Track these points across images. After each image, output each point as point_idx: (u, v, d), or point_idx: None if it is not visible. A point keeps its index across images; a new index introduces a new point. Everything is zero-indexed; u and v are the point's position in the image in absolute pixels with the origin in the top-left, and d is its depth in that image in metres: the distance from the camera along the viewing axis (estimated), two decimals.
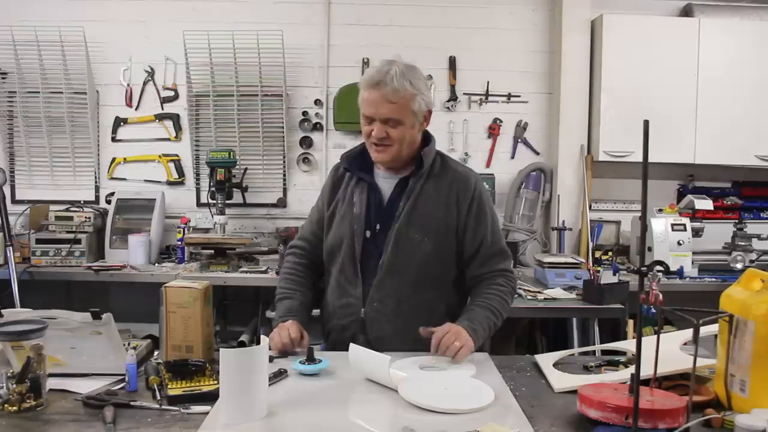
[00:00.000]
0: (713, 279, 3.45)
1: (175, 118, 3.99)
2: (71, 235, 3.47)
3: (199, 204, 4.02)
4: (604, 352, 1.87)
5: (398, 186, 1.87)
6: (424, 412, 1.33)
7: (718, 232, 3.78)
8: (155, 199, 3.75)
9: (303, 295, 1.91)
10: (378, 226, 1.85)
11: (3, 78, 3.88)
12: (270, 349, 1.67)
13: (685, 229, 3.51)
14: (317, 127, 4.01)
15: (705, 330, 1.43)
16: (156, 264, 3.56)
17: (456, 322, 1.74)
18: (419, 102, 1.80)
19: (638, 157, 3.64)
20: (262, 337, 1.44)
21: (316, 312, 1.99)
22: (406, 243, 1.82)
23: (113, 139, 3.99)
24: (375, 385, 1.50)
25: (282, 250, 3.31)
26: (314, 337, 1.84)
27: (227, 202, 3.74)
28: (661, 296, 1.41)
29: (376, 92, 1.76)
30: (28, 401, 1.33)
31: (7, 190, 3.54)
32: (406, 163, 1.88)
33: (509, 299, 1.89)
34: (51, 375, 1.42)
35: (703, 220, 3.69)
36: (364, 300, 1.84)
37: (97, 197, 3.98)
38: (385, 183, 1.89)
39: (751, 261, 3.58)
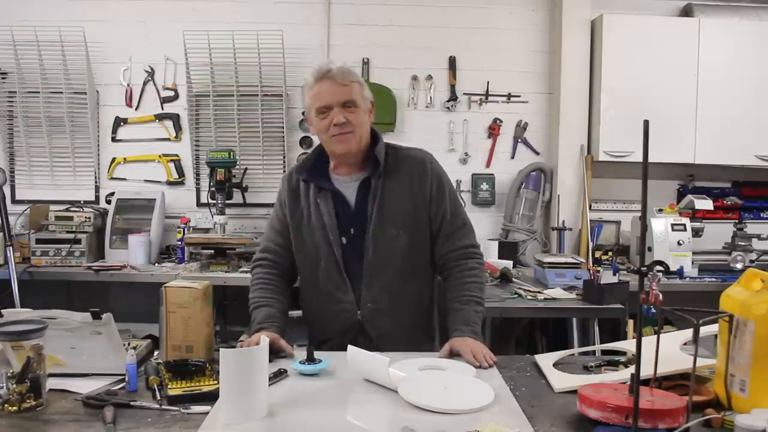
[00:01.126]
0: (713, 279, 3.44)
1: (175, 118, 3.99)
2: (71, 235, 3.47)
3: (199, 204, 4.02)
4: (604, 352, 1.87)
5: (360, 188, 1.88)
6: (423, 412, 1.33)
7: (718, 232, 3.78)
8: (155, 199, 3.75)
9: (281, 303, 1.89)
10: (352, 231, 1.87)
11: (3, 78, 3.88)
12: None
13: (685, 229, 3.51)
14: None
15: (705, 330, 1.43)
16: (156, 264, 3.56)
17: (454, 330, 1.78)
18: (366, 90, 1.86)
19: (638, 157, 3.64)
20: (262, 337, 1.44)
21: (294, 313, 1.99)
22: (384, 241, 1.85)
23: (113, 139, 3.99)
24: (375, 385, 1.50)
25: None
26: (301, 337, 1.84)
27: (227, 202, 3.74)
28: (661, 296, 1.41)
29: (327, 81, 1.79)
30: (28, 401, 1.33)
31: (7, 190, 3.54)
32: (362, 163, 1.89)
33: (483, 277, 1.94)
34: (51, 375, 1.42)
35: (703, 220, 3.68)
36: (358, 303, 1.87)
37: (97, 197, 3.98)
38: (347, 188, 1.89)
39: (751, 261, 3.58)
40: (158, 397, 1.41)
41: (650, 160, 1.13)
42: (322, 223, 1.87)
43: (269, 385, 1.39)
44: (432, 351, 1.96)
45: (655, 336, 1.32)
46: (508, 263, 3.49)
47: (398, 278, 1.87)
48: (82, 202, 3.85)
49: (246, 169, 3.95)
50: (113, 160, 3.98)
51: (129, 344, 1.69)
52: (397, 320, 1.87)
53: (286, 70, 3.83)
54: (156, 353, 1.74)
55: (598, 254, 3.79)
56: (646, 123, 1.08)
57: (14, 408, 1.32)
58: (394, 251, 1.85)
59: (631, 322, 3.04)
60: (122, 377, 1.50)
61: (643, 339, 1.15)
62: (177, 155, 4.01)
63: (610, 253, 3.82)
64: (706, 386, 1.43)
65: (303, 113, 3.95)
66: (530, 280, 3.40)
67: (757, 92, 3.74)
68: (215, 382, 1.46)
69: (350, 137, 1.81)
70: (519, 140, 4.08)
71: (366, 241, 1.85)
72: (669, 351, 1.51)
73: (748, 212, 4.08)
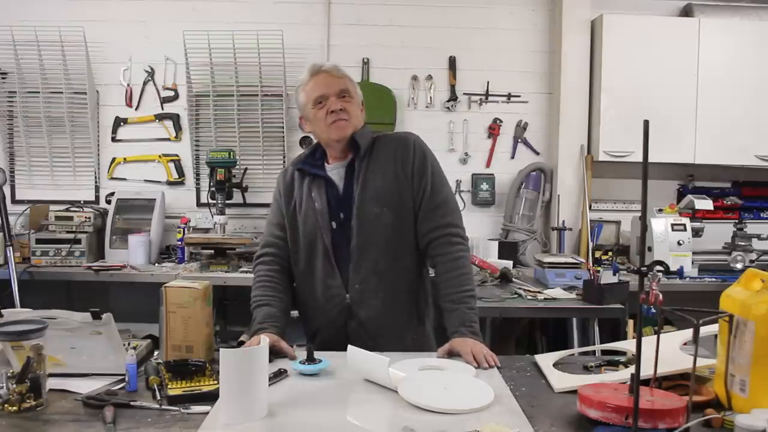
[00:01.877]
0: (713, 279, 3.45)
1: (175, 118, 3.99)
2: (71, 235, 3.47)
3: (199, 204, 4.02)
4: (604, 352, 1.87)
5: (347, 173, 1.91)
6: (423, 412, 1.33)
7: (718, 232, 3.78)
8: (155, 199, 3.75)
9: (282, 301, 1.90)
10: (342, 215, 1.89)
11: (3, 78, 3.88)
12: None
13: (685, 229, 3.51)
14: None
15: (705, 330, 1.43)
16: (156, 264, 3.57)
17: (453, 332, 1.77)
18: (357, 87, 1.94)
19: (638, 157, 3.64)
20: (262, 337, 1.44)
21: (295, 312, 2.00)
22: (368, 221, 1.86)
23: (113, 139, 3.99)
24: (375, 385, 1.50)
25: None
26: (301, 337, 1.84)
27: (227, 202, 3.74)
28: (661, 296, 1.41)
29: (322, 74, 1.88)
30: (28, 401, 1.33)
31: (7, 190, 3.54)
32: (348, 149, 1.92)
33: (470, 265, 1.92)
34: (51, 375, 1.42)
35: (703, 220, 3.69)
36: (346, 287, 1.88)
37: (97, 197, 3.98)
38: (336, 174, 1.92)
39: (751, 261, 3.58)
40: (158, 397, 1.40)
41: (650, 160, 1.12)
42: (314, 209, 1.89)
43: (269, 385, 1.39)
44: (423, 335, 1.98)
45: (655, 336, 1.32)
46: (508, 263, 3.49)
47: (384, 258, 1.87)
48: (82, 202, 3.85)
49: (246, 169, 3.95)
50: (113, 160, 3.98)
51: (129, 344, 1.69)
52: (385, 301, 1.88)
53: (286, 70, 3.83)
54: (156, 353, 1.74)
55: (598, 254, 3.79)
56: (646, 123, 1.08)
57: (14, 408, 1.32)
58: (378, 230, 1.86)
59: (631, 322, 3.04)
60: (122, 377, 1.50)
61: (643, 339, 1.15)
62: (177, 155, 4.01)
63: (610, 253, 3.82)
64: (706, 386, 1.43)
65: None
66: (530, 280, 3.41)
67: (757, 92, 3.74)
68: (215, 382, 1.46)
69: (346, 124, 1.86)
70: (519, 140, 4.08)
71: (352, 223, 1.87)
72: (669, 351, 1.51)
73: (748, 212, 4.09)
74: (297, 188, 1.95)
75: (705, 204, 3.66)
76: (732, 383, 1.32)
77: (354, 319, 1.88)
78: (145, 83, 3.97)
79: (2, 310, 1.50)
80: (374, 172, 1.88)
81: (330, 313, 1.90)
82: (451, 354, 1.71)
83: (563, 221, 3.92)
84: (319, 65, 1.89)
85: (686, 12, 3.95)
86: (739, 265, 3.54)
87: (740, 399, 1.29)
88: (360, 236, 1.86)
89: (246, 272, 3.33)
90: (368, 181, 1.87)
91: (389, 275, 1.88)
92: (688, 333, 1.61)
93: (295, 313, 2.02)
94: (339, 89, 1.86)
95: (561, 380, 1.53)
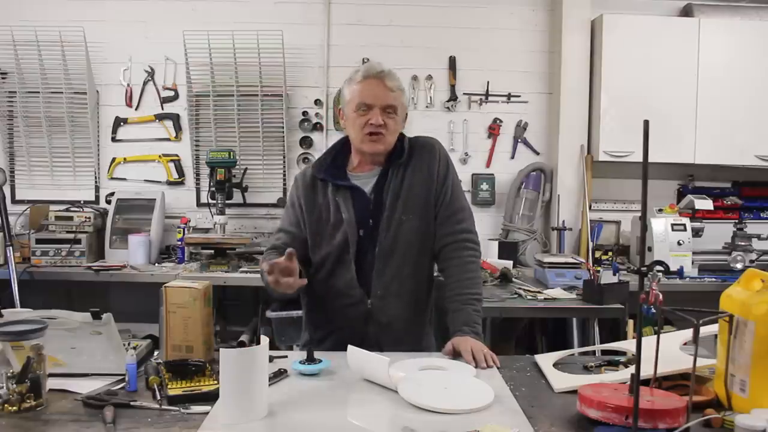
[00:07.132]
0: (713, 279, 3.44)
1: (175, 118, 3.99)
2: (71, 235, 3.47)
3: (199, 204, 4.02)
4: (604, 352, 1.87)
5: (378, 181, 1.90)
6: (424, 412, 1.33)
7: (718, 232, 3.78)
8: (155, 199, 3.75)
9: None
10: (371, 222, 1.88)
11: (3, 78, 3.88)
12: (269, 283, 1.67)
13: (685, 229, 3.51)
14: (317, 127, 4.01)
15: (705, 330, 1.43)
16: (156, 264, 3.56)
17: (456, 331, 1.78)
18: (405, 99, 1.93)
19: (638, 157, 3.64)
20: (262, 337, 1.44)
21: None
22: (396, 228, 1.87)
23: (113, 139, 3.99)
24: (375, 385, 1.50)
25: None
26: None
27: (227, 202, 3.74)
28: (661, 296, 1.40)
29: (377, 80, 1.83)
30: (28, 401, 1.33)
31: (7, 190, 3.55)
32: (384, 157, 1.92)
33: (479, 271, 1.94)
34: (51, 375, 1.42)
35: (703, 220, 3.69)
36: (368, 293, 1.87)
37: (97, 197, 3.98)
38: (365, 183, 1.91)
39: (751, 261, 3.58)
40: (158, 397, 1.40)
41: (650, 160, 1.12)
42: (341, 219, 1.88)
43: (269, 385, 1.39)
44: (429, 334, 1.99)
45: (655, 336, 1.32)
46: (508, 263, 3.49)
47: (408, 263, 1.88)
48: (82, 202, 3.85)
49: (246, 169, 3.95)
50: (113, 160, 3.98)
51: (129, 344, 1.69)
52: (406, 305, 1.89)
53: (286, 70, 3.83)
54: (156, 353, 1.74)
55: (598, 254, 3.79)
56: (646, 123, 1.08)
57: (14, 408, 1.32)
58: (405, 236, 1.87)
59: (631, 322, 3.04)
60: (122, 377, 1.50)
61: (643, 339, 1.15)
62: (177, 155, 4.01)
63: (610, 253, 3.82)
64: (706, 386, 1.43)
65: (303, 113, 3.97)
66: (530, 280, 3.41)
67: (757, 92, 3.74)
68: (215, 382, 1.46)
69: (382, 139, 1.85)
70: (519, 140, 4.08)
71: (380, 230, 1.86)
72: (669, 351, 1.51)
73: (748, 212, 4.09)
74: (321, 196, 1.92)
75: (705, 204, 3.66)
76: (732, 383, 1.32)
77: (374, 325, 1.87)
78: (145, 83, 3.97)
79: (2, 310, 1.50)
80: (405, 179, 1.89)
81: (348, 318, 1.89)
82: (457, 353, 1.71)
83: (563, 221, 3.92)
84: (378, 69, 1.85)
85: (686, 12, 3.95)
86: (739, 265, 3.54)
87: (740, 399, 1.29)
88: (387, 243, 1.86)
89: (246, 272, 3.33)
90: (403, 190, 1.88)
91: (411, 280, 1.89)
92: (688, 333, 1.61)
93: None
94: (386, 104, 1.83)
95: (561, 380, 1.53)
